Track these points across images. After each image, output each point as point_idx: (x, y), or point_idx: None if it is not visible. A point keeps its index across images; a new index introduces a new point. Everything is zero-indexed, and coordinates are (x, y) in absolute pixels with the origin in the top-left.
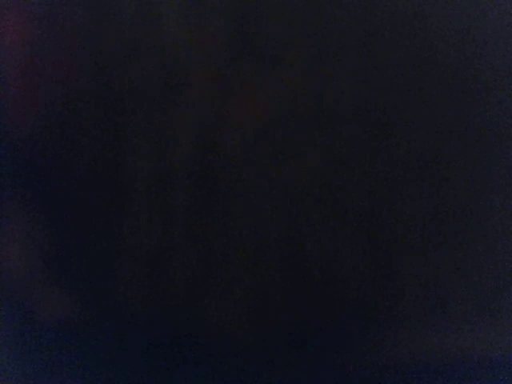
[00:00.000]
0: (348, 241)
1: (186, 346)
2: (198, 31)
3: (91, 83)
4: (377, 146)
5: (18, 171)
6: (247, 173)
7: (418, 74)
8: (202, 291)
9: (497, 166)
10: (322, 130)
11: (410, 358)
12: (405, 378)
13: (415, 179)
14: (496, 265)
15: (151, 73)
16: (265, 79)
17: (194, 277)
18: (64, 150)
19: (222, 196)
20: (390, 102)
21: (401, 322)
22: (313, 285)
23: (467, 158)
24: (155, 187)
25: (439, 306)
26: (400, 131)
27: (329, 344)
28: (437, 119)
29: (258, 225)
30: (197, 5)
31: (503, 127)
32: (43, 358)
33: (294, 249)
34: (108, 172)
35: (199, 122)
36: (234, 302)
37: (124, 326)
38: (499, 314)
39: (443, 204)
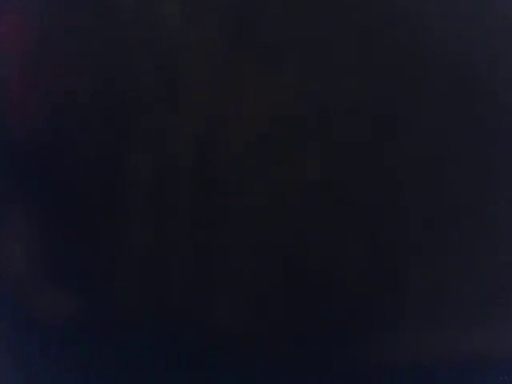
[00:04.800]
0: (350, 242)
1: (186, 346)
2: (199, 31)
3: (92, 84)
4: (379, 147)
5: (19, 172)
6: (250, 174)
7: (419, 75)
8: (203, 292)
9: (498, 165)
10: (323, 130)
11: (410, 358)
12: (405, 378)
13: (416, 180)
14: (497, 265)
15: (151, 73)
16: (267, 79)
17: (195, 277)
18: (65, 151)
19: (222, 197)
20: (391, 102)
21: (401, 322)
22: (314, 285)
23: (468, 159)
24: (157, 189)
25: (440, 306)
26: (401, 132)
27: (330, 344)
28: (438, 119)
29: (258, 226)
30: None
31: (505, 127)
32: (42, 359)
33: (296, 249)
34: (109, 173)
35: (200, 123)
36: (235, 302)
37: (124, 327)
38: (499, 314)
39: (443, 204)
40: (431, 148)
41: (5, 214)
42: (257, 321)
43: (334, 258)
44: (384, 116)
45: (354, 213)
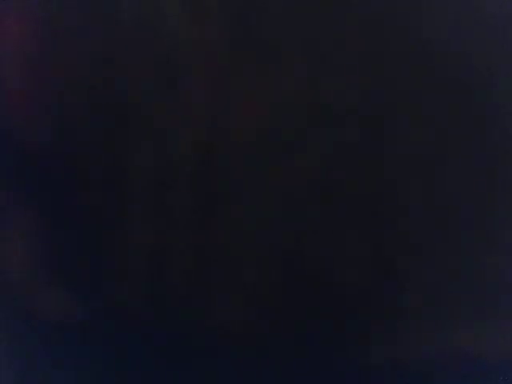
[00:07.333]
0: (349, 241)
1: (186, 346)
2: (199, 30)
3: (92, 84)
4: (379, 147)
5: (19, 172)
6: (249, 174)
7: (419, 74)
8: (203, 292)
9: (497, 165)
10: (323, 130)
11: (409, 358)
12: (405, 378)
13: (416, 180)
14: (496, 264)
15: (151, 72)
16: (266, 78)
17: (195, 278)
18: (68, 152)
19: (223, 197)
20: (392, 102)
21: (401, 321)
22: (314, 286)
23: (468, 159)
24: (157, 190)
25: (439, 306)
26: (401, 132)
27: (331, 344)
28: (438, 118)
29: (259, 227)
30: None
31: (504, 126)
32: (41, 358)
33: (296, 249)
34: (109, 173)
35: (200, 123)
36: (234, 302)
37: (124, 327)
38: (499, 314)
39: (443, 203)
40: (432, 148)
41: (5, 214)
42: (259, 322)
43: (335, 258)
44: (388, 116)
45: (356, 213)
